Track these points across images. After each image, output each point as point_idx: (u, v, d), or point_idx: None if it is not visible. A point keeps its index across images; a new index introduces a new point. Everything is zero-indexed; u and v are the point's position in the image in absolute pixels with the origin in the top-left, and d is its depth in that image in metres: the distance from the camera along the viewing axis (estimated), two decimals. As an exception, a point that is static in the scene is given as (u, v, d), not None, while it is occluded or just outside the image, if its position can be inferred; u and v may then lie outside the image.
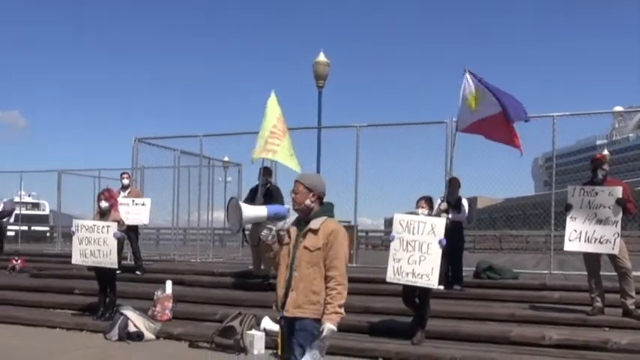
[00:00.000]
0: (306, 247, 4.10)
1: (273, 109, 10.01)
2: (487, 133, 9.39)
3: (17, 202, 24.29)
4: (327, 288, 4.06)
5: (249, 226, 5.15)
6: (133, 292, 10.23)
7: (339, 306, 4.02)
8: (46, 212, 34.84)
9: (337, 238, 4.08)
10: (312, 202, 4.18)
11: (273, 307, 4.39)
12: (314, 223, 4.13)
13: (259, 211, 4.54)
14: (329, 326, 3.96)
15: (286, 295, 4.14)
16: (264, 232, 4.29)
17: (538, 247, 24.33)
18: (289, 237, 4.25)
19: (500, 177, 12.25)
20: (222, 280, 11.10)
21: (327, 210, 4.26)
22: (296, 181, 4.29)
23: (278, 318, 4.49)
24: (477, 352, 7.02)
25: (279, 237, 4.28)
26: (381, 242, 26.96)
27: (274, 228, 4.26)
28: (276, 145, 9.74)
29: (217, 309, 9.21)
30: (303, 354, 4.05)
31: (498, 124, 8.96)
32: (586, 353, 6.92)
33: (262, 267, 10.48)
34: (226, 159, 17.77)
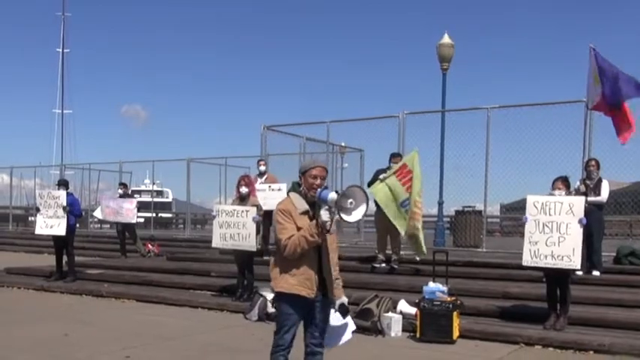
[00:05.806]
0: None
1: (418, 174, 9.78)
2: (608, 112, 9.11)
3: (146, 190, 25.63)
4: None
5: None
6: (267, 275, 10.53)
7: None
8: (169, 199, 36.25)
9: None
10: None
11: (296, 291, 4.27)
12: None
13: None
14: (345, 299, 4.44)
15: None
16: (327, 216, 4.03)
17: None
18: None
19: (628, 160, 11.61)
20: (349, 264, 11.23)
21: None
22: (323, 168, 4.31)
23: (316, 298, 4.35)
24: (626, 339, 6.75)
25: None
26: (500, 228, 26.26)
27: (335, 212, 4.05)
28: (416, 224, 9.68)
29: (350, 292, 9.28)
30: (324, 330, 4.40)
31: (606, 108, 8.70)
32: None
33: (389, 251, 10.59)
34: (343, 144, 17.90)
